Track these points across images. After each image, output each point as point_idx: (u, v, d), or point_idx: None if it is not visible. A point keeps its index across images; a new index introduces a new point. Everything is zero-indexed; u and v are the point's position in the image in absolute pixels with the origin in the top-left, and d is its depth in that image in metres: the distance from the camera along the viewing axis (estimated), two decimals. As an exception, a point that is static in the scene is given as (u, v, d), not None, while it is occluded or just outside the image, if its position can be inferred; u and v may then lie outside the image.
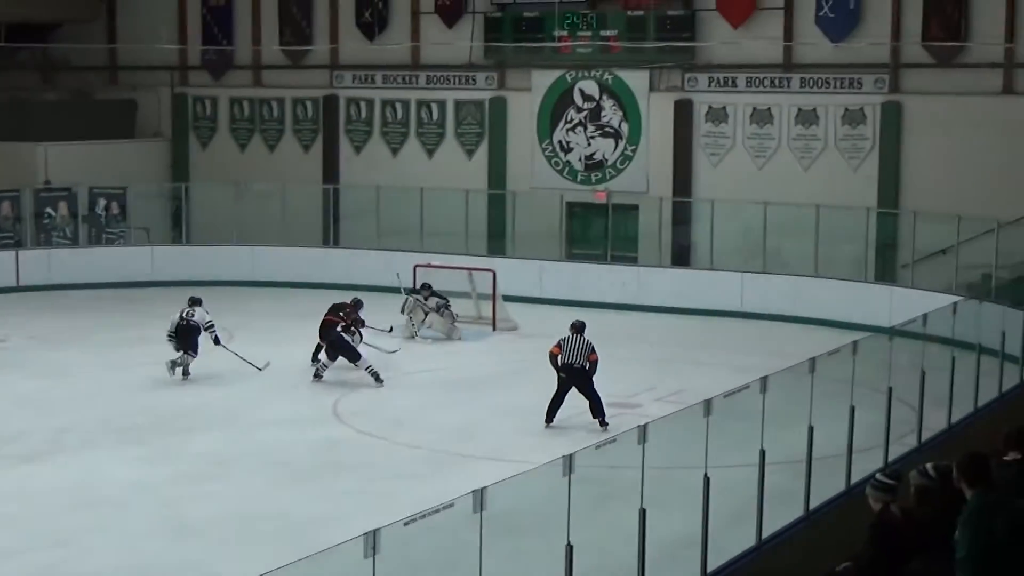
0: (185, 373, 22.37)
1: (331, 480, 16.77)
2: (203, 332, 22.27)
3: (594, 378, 19.46)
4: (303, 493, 16.19)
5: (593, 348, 19.62)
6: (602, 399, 19.41)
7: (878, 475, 10.44)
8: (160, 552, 14.07)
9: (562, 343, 19.70)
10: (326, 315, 23.09)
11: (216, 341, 22.52)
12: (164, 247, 33.24)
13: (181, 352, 22.30)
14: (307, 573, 8.32)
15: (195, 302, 22.72)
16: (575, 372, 19.50)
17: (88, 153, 34.51)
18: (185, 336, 22.35)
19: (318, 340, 23.07)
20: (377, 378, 22.18)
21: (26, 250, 31.82)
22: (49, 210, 32.74)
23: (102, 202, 33.38)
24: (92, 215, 33.27)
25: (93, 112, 36.56)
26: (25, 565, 13.59)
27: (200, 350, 22.24)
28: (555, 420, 19.53)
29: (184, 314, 22.38)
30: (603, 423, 19.29)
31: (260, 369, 22.47)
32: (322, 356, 22.80)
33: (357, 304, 23.71)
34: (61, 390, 21.48)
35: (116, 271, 31.60)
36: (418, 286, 26.56)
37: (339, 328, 22.59)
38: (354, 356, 22.42)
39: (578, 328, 19.88)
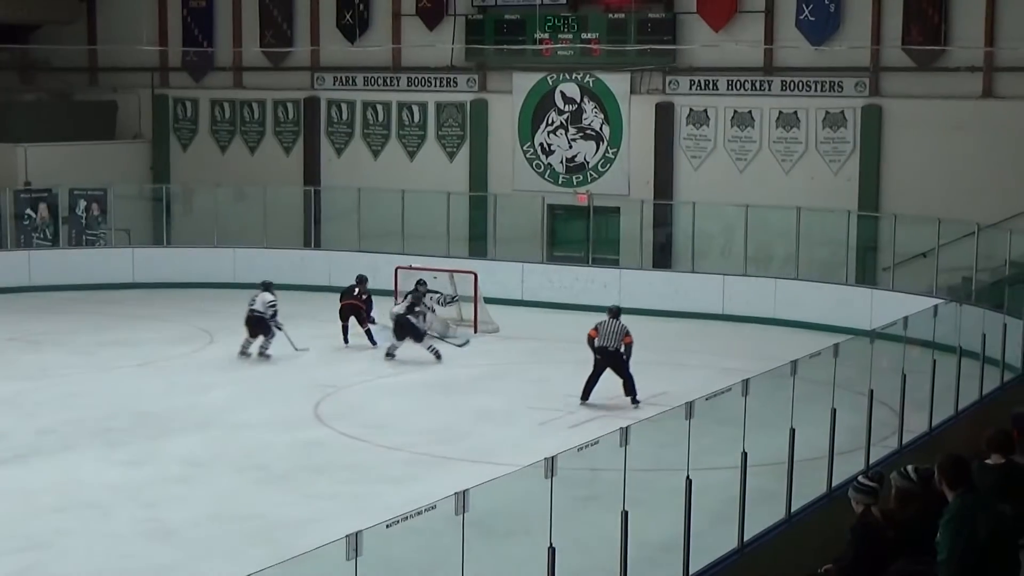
0: (263, 354, 24.01)
1: (313, 482, 16.74)
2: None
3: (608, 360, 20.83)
4: (284, 495, 16.16)
5: (628, 331, 21.09)
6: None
7: (860, 478, 10.45)
8: (140, 554, 14.03)
9: (599, 326, 21.10)
10: (343, 301, 25.27)
11: (273, 320, 24.14)
12: (145, 248, 33.16)
13: (248, 338, 24.09)
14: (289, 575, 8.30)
15: (266, 287, 24.40)
16: (610, 354, 20.87)
17: (68, 154, 34.42)
18: (251, 326, 24.02)
19: (342, 323, 25.29)
20: (438, 356, 24.08)
21: (6, 251, 31.72)
22: (29, 211, 32.65)
23: (82, 203, 33.30)
24: (73, 216, 33.19)
25: (73, 113, 36.47)
26: (3, 566, 13.54)
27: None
28: (590, 398, 20.84)
29: (250, 302, 24.12)
30: (635, 401, 20.75)
31: (297, 349, 24.03)
32: (392, 337, 24.37)
33: (363, 280, 25.80)
34: (41, 392, 21.41)
35: (97, 273, 31.50)
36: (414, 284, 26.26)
37: (355, 305, 25.13)
38: (419, 336, 24.13)
39: (614, 313, 21.41)
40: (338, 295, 25.79)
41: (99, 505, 15.68)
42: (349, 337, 25.30)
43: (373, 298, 25.39)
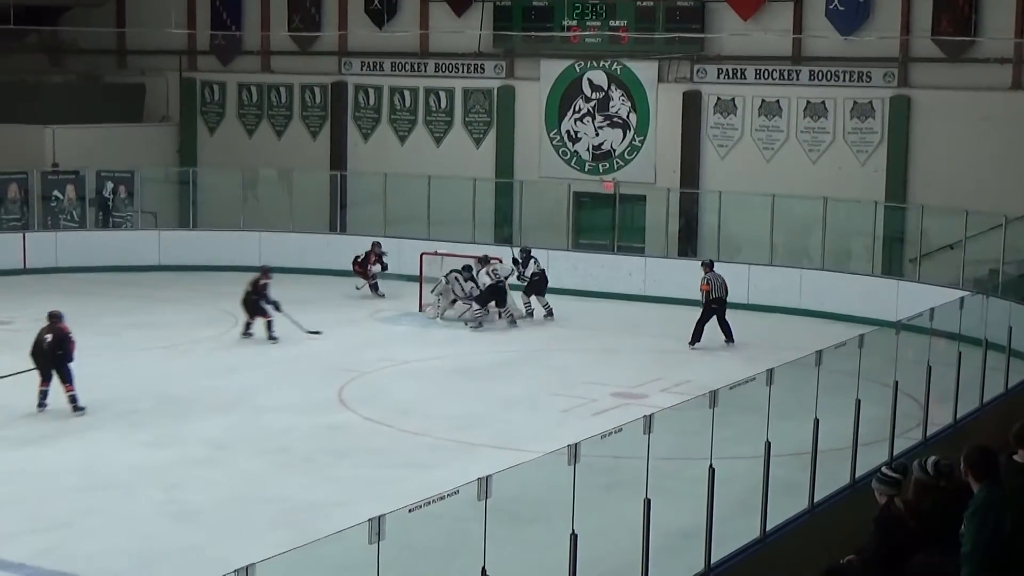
0: (270, 337, 24.14)
1: (336, 466, 16.76)
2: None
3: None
4: (307, 479, 16.18)
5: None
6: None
7: (884, 468, 10.42)
8: (162, 535, 14.07)
9: (709, 279, 24.58)
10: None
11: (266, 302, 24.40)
12: (171, 231, 33.24)
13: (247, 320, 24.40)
14: (311, 558, 8.31)
15: (264, 272, 24.87)
16: (721, 302, 24.57)
17: (96, 136, 34.53)
18: (247, 308, 24.32)
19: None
20: (513, 322, 25.60)
21: (33, 232, 31.82)
22: (57, 193, 32.75)
23: (109, 185, 33.40)
24: (99, 198, 33.29)
25: (101, 95, 36.55)
26: (28, 546, 13.60)
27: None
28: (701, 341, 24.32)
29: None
30: (730, 340, 24.45)
31: (310, 333, 24.11)
32: (474, 304, 25.87)
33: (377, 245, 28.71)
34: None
35: (123, 255, 31.60)
36: (460, 267, 26.69)
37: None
38: (504, 300, 25.95)
39: (710, 265, 25.05)
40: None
41: (123, 486, 15.74)
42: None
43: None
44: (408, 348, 23.77)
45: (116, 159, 33.99)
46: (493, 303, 25.82)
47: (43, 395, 19.10)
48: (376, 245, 29.25)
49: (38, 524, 14.30)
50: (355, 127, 35.38)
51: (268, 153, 35.83)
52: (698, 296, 24.85)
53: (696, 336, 24.33)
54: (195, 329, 25.16)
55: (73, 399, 18.98)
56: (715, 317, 24.53)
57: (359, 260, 29.35)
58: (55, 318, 19.52)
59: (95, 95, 36.44)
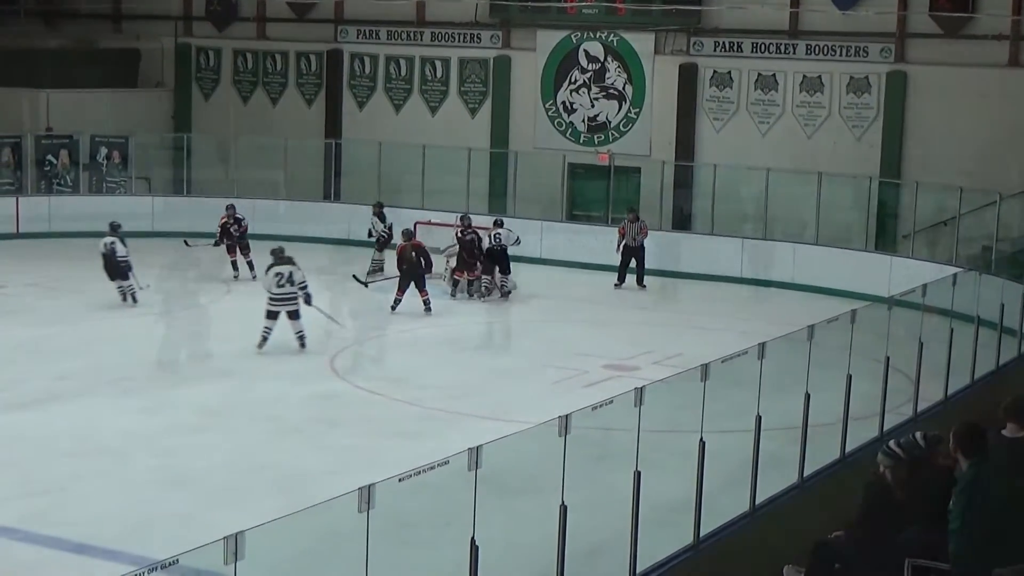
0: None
1: (327, 435, 16.80)
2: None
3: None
4: (298, 447, 16.22)
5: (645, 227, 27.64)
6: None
7: (891, 442, 10.46)
8: (154, 501, 14.10)
9: (625, 227, 27.59)
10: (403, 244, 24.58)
11: None
12: (165, 197, 33.20)
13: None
14: (301, 526, 8.33)
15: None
16: (636, 249, 27.44)
17: (91, 101, 34.43)
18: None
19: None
20: (507, 294, 25.93)
21: (27, 197, 31.78)
22: (50, 157, 32.70)
23: (103, 151, 33.33)
24: (93, 163, 33.23)
25: (97, 61, 36.45)
26: (20, 510, 13.62)
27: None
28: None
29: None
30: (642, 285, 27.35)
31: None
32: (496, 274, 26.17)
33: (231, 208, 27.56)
34: (59, 338, 21.49)
35: (117, 220, 31.48)
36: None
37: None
38: (507, 267, 26.23)
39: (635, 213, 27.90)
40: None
41: (115, 451, 15.76)
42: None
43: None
44: (400, 318, 23.78)
45: (110, 124, 33.90)
46: (497, 269, 25.87)
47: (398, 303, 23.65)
48: (230, 208, 27.46)
49: (31, 488, 14.32)
50: (350, 95, 35.32)
51: (263, 120, 35.76)
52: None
53: (619, 278, 27.59)
54: (188, 296, 25.15)
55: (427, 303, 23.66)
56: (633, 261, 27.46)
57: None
58: (410, 235, 24.69)
59: (90, 60, 36.33)
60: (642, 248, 27.60)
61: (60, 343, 21.18)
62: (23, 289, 24.99)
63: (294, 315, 20.90)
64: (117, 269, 23.67)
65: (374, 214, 28.57)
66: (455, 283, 25.74)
